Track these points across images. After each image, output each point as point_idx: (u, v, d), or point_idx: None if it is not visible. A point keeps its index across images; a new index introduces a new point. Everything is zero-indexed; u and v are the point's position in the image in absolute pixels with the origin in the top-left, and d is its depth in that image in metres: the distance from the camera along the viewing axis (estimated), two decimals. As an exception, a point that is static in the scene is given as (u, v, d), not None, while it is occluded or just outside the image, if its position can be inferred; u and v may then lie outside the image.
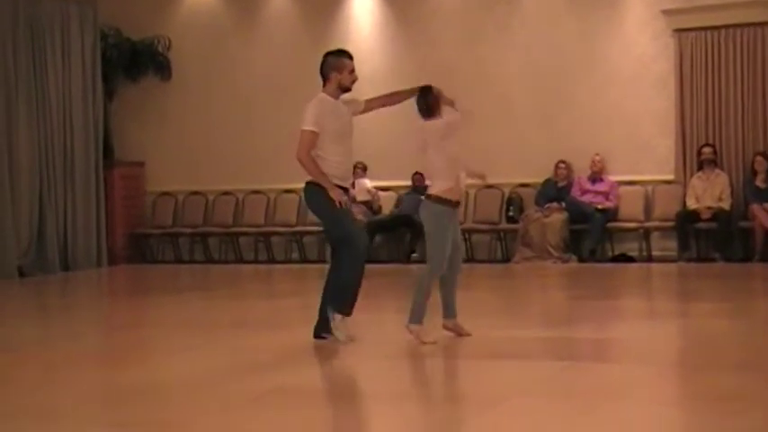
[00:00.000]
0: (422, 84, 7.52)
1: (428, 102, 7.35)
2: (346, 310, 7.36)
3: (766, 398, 5.42)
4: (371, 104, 7.80)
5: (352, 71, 7.47)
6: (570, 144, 14.32)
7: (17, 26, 14.48)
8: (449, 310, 7.52)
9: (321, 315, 7.51)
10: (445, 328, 7.54)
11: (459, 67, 14.46)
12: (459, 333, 7.50)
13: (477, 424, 5.09)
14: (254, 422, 5.14)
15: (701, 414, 5.12)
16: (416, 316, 7.28)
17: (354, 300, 7.38)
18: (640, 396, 5.58)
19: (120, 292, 13.62)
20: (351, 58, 7.51)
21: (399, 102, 7.86)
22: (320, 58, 7.59)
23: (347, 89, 7.49)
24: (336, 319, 7.34)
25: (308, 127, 7.30)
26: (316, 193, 7.32)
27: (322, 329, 7.48)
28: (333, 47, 15.11)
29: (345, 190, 7.44)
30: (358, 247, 7.28)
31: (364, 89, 15.81)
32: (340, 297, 7.35)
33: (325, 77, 7.47)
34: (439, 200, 7.24)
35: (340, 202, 7.21)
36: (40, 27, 14.82)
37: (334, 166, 7.34)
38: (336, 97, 7.46)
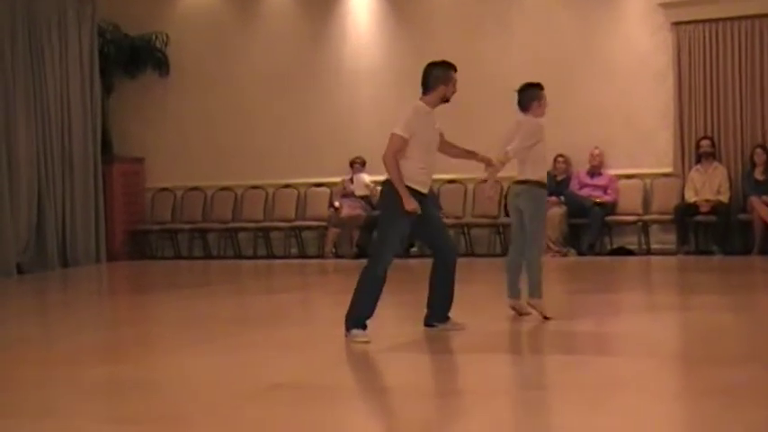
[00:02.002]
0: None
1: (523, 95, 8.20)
2: (361, 323, 7.24)
3: None
4: (444, 146, 7.75)
5: (455, 83, 7.59)
6: (569, 138, 14.29)
7: (15, 22, 14.45)
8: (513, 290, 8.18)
9: (430, 307, 7.58)
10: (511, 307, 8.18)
11: (457, 62, 14.21)
12: (521, 313, 8.10)
13: (478, 417, 5.09)
14: (254, 418, 5.13)
15: (704, 406, 5.12)
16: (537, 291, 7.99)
17: (369, 314, 7.26)
18: (642, 389, 5.58)
19: (119, 289, 13.61)
20: (456, 70, 7.65)
21: (458, 157, 7.94)
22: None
23: (448, 101, 7.58)
24: (355, 335, 7.20)
25: (399, 132, 7.32)
26: (389, 195, 7.35)
27: (432, 319, 7.58)
28: (331, 40, 15.46)
29: (424, 196, 7.45)
30: (378, 274, 7.23)
31: (363, 82, 15.91)
32: (353, 312, 7.25)
33: (429, 88, 7.53)
34: (539, 184, 8.08)
35: (411, 211, 7.21)
36: (37, 23, 14.80)
37: (417, 172, 7.35)
38: (434, 107, 7.52)
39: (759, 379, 5.68)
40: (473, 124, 14.11)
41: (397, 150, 7.29)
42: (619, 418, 4.95)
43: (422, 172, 7.40)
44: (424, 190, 7.48)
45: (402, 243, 7.40)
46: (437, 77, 7.54)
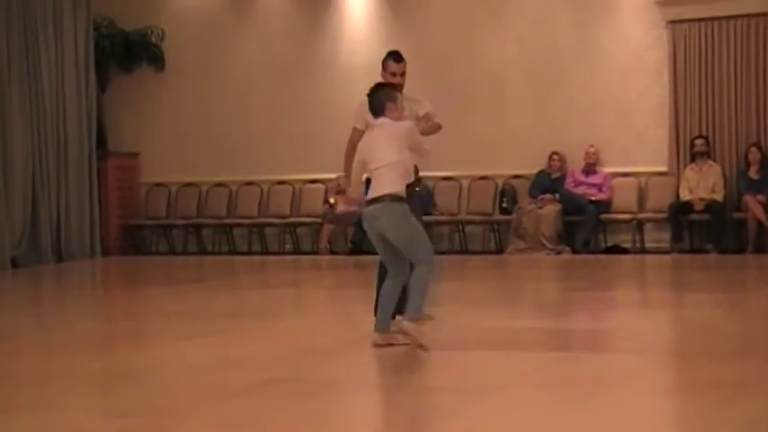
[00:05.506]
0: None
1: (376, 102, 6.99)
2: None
3: (762, 386, 5.43)
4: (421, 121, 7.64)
5: (393, 73, 7.77)
6: (564, 135, 14.32)
7: (10, 17, 14.40)
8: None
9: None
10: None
11: (453, 57, 14.45)
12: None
13: (472, 413, 5.09)
14: (248, 411, 5.14)
15: (697, 402, 5.13)
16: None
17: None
18: (636, 385, 5.59)
19: (114, 283, 13.60)
20: (397, 60, 7.87)
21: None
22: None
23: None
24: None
25: (353, 123, 7.69)
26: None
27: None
28: (327, 36, 15.47)
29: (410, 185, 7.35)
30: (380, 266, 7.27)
31: (360, 77, 15.85)
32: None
33: None
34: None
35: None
36: (32, 17, 14.75)
37: None
38: None
39: (753, 374, 5.70)
40: (467, 116, 14.15)
41: (353, 141, 7.50)
42: (610, 413, 4.96)
43: None
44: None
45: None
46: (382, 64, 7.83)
